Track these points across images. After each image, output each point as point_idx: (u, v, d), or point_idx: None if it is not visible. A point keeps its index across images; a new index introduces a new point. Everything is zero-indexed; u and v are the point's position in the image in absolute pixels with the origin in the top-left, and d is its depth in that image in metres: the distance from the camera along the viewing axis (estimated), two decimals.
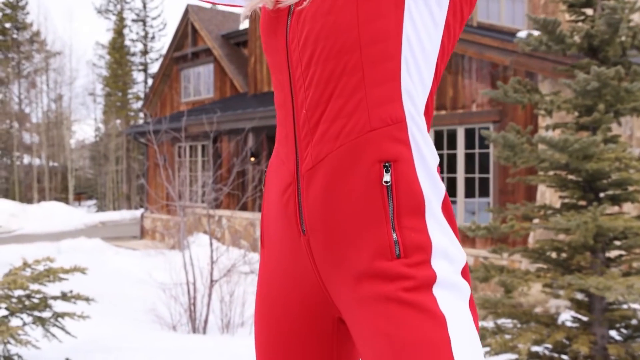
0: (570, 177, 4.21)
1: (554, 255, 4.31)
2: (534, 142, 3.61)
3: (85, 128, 38.62)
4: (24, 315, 4.29)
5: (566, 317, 4.68)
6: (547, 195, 7.66)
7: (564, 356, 3.86)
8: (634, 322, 4.15)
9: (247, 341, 5.72)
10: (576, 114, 4.16)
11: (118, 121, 34.50)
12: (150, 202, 18.67)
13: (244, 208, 14.52)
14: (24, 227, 23.17)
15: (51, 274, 4.08)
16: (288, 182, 1.00)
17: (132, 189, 32.29)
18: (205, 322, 6.55)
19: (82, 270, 4.29)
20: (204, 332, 6.50)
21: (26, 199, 30.93)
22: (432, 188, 0.95)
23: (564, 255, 4.27)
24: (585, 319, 4.19)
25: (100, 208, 32.73)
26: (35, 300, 4.25)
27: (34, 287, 4.22)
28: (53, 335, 4.32)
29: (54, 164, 34.54)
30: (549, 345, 4.08)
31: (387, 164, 0.92)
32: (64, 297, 4.29)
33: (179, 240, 12.28)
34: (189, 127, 15.06)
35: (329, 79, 0.94)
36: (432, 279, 0.91)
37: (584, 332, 3.89)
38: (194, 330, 6.50)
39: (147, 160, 19.60)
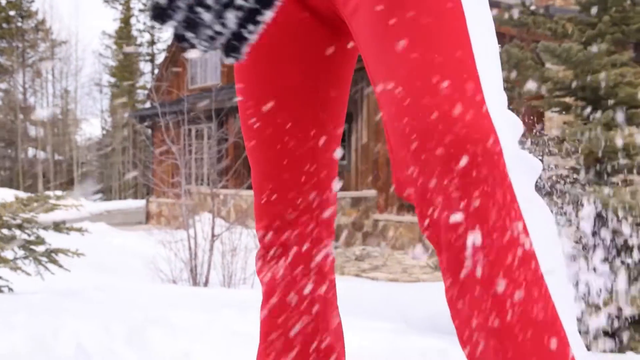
0: (576, 103, 4.11)
1: (558, 186, 4.20)
2: (538, 51, 3.50)
3: (92, 121, 38.72)
4: (16, 248, 4.22)
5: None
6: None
7: None
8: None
9: (249, 291, 5.65)
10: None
11: (126, 114, 34.57)
12: (155, 186, 18.65)
13: (250, 188, 14.44)
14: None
15: (41, 199, 4.02)
16: None
17: (138, 179, 32.31)
18: (207, 277, 6.47)
19: (77, 203, 4.22)
20: (206, 286, 6.43)
21: (30, 190, 31.03)
22: None
23: (567, 186, 4.16)
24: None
25: (107, 199, 32.79)
26: (28, 232, 4.19)
27: (26, 216, 4.15)
28: (46, 268, 4.26)
29: (59, 157, 34.59)
30: None
31: None
32: (57, 227, 4.22)
33: (183, 221, 12.24)
34: (195, 105, 15.01)
35: None
36: None
37: (587, 256, 3.79)
38: (195, 284, 6.43)
39: (152, 145, 19.57)
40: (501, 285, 0.64)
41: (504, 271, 0.64)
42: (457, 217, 0.66)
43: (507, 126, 0.68)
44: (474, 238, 0.65)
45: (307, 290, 1.05)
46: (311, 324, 1.06)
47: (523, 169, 0.68)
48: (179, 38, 0.77)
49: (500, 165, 0.64)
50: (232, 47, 0.77)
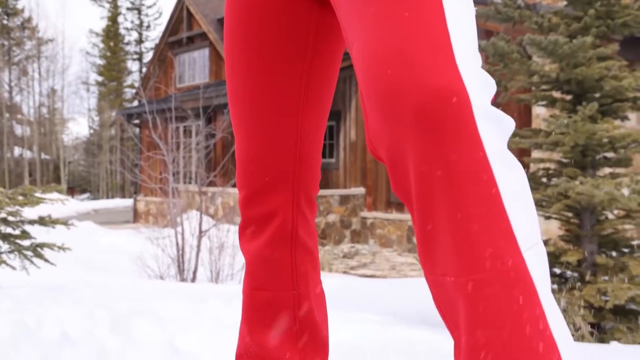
0: (562, 96, 4.13)
1: (544, 179, 4.23)
2: (524, 44, 3.52)
3: (80, 120, 38.46)
4: (1, 242, 4.18)
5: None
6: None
7: (554, 269, 3.78)
8: (624, 249, 4.07)
9: (237, 286, 5.63)
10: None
11: (113, 113, 34.38)
12: (143, 183, 18.53)
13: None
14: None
15: (27, 192, 3.98)
16: None
17: (126, 179, 32.16)
18: (194, 273, 6.45)
19: (60, 190, 4.19)
20: (193, 282, 6.40)
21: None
22: None
23: (554, 180, 4.19)
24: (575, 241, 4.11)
25: (94, 199, 32.57)
26: (13, 227, 4.15)
27: (11, 209, 4.11)
28: (32, 262, 4.22)
29: (46, 156, 34.32)
30: None
31: None
32: (42, 220, 4.19)
33: (171, 219, 12.22)
34: (183, 102, 14.96)
35: None
36: None
37: (573, 248, 3.82)
38: (182, 280, 6.40)
39: (139, 142, 19.48)
40: (471, 235, 0.64)
41: (474, 220, 0.64)
42: (426, 176, 0.65)
43: (480, 84, 0.67)
44: (444, 193, 0.65)
45: (288, 261, 1.05)
46: (293, 295, 1.06)
47: (495, 126, 0.67)
48: None
49: (471, 122, 0.63)
50: None
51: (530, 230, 0.66)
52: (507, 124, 0.68)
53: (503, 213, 0.64)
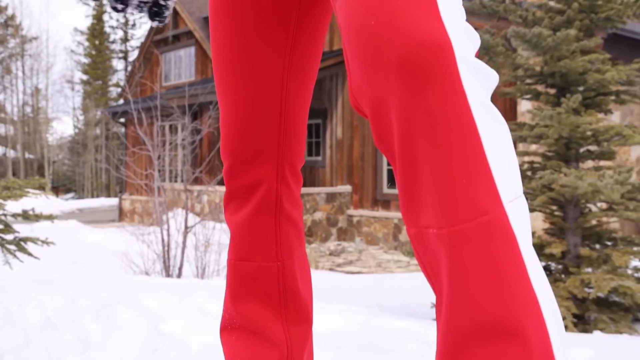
0: (546, 90, 4.17)
1: (529, 173, 4.26)
2: (509, 36, 3.54)
3: (65, 119, 38.16)
4: None
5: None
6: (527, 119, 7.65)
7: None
8: (607, 242, 4.11)
9: (223, 281, 5.61)
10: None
11: (98, 112, 34.12)
12: (128, 181, 18.42)
13: (222, 183, 14.39)
14: None
15: (10, 185, 3.93)
16: None
17: (111, 178, 31.94)
18: (180, 269, 6.42)
19: (44, 184, 4.14)
20: (179, 277, 6.37)
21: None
22: None
23: (539, 173, 4.23)
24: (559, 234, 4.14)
25: (79, 198, 32.30)
26: None
27: None
28: (15, 255, 4.17)
29: (30, 156, 34.00)
30: None
31: None
32: (25, 214, 4.14)
33: (157, 217, 12.13)
34: (169, 100, 14.89)
35: None
36: None
37: (557, 240, 3.84)
38: (168, 276, 6.37)
39: (125, 138, 19.35)
40: (453, 186, 0.64)
41: (456, 171, 0.64)
42: (409, 126, 0.64)
43: (463, 36, 0.67)
44: (426, 143, 0.64)
45: (273, 232, 1.05)
46: (277, 266, 1.05)
47: (479, 77, 0.67)
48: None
49: (454, 72, 0.63)
50: (154, 12, 0.86)
51: (512, 183, 0.66)
52: (491, 76, 0.68)
53: (485, 164, 0.64)
